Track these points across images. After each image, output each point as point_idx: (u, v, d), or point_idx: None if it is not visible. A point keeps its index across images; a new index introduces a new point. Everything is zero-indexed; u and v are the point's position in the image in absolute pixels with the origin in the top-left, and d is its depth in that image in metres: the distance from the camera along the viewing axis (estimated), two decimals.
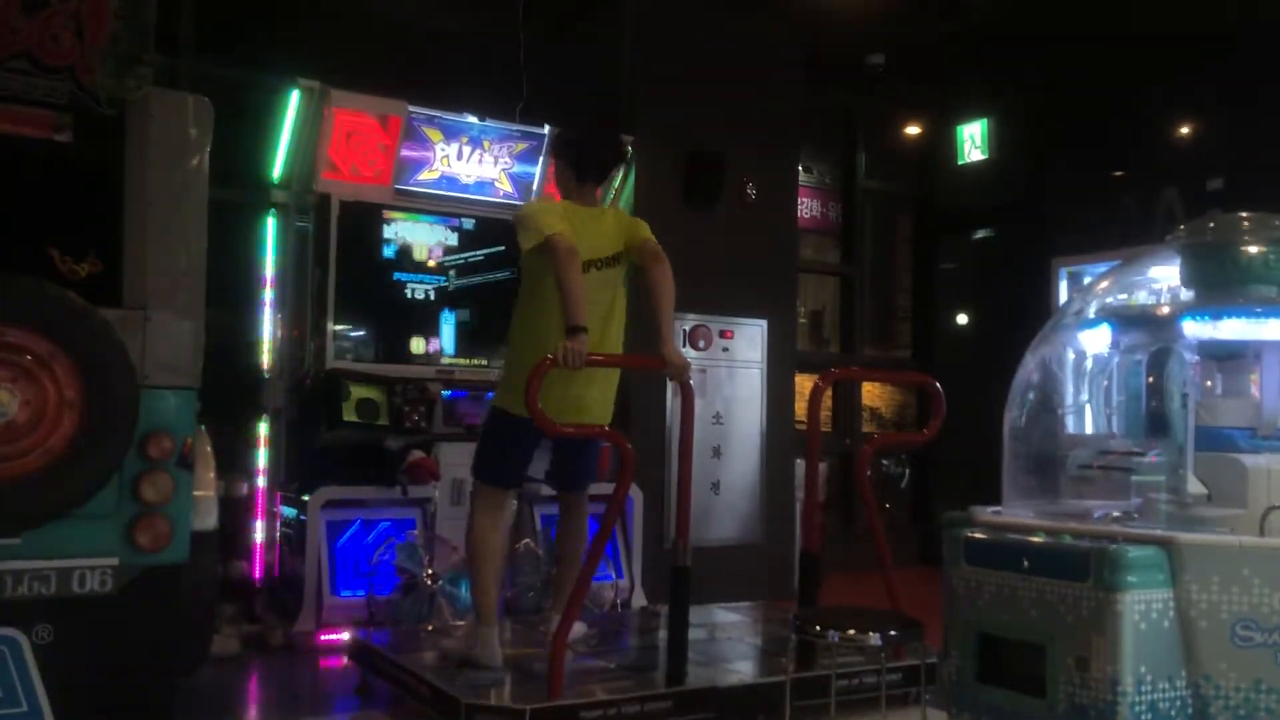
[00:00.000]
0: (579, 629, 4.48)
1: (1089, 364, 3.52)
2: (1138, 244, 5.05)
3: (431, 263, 6.21)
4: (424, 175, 6.17)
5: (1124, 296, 3.61)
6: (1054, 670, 2.80)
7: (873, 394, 9.34)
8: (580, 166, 4.33)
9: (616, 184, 6.72)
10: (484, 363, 6.22)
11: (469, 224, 6.30)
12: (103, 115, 3.54)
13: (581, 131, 4.62)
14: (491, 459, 4.30)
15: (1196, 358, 3.14)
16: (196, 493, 3.73)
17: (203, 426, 3.89)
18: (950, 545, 3.13)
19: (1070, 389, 3.53)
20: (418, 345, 6.15)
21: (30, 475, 3.20)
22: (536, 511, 5.87)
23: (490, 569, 4.30)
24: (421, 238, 6.18)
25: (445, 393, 6.02)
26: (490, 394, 6.00)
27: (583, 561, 4.17)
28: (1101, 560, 2.72)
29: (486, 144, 6.30)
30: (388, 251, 6.09)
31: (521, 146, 6.40)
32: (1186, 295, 3.34)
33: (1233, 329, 3.12)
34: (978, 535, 3.10)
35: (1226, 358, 3.26)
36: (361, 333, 6.01)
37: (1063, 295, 7.15)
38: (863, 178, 9.18)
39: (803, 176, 8.36)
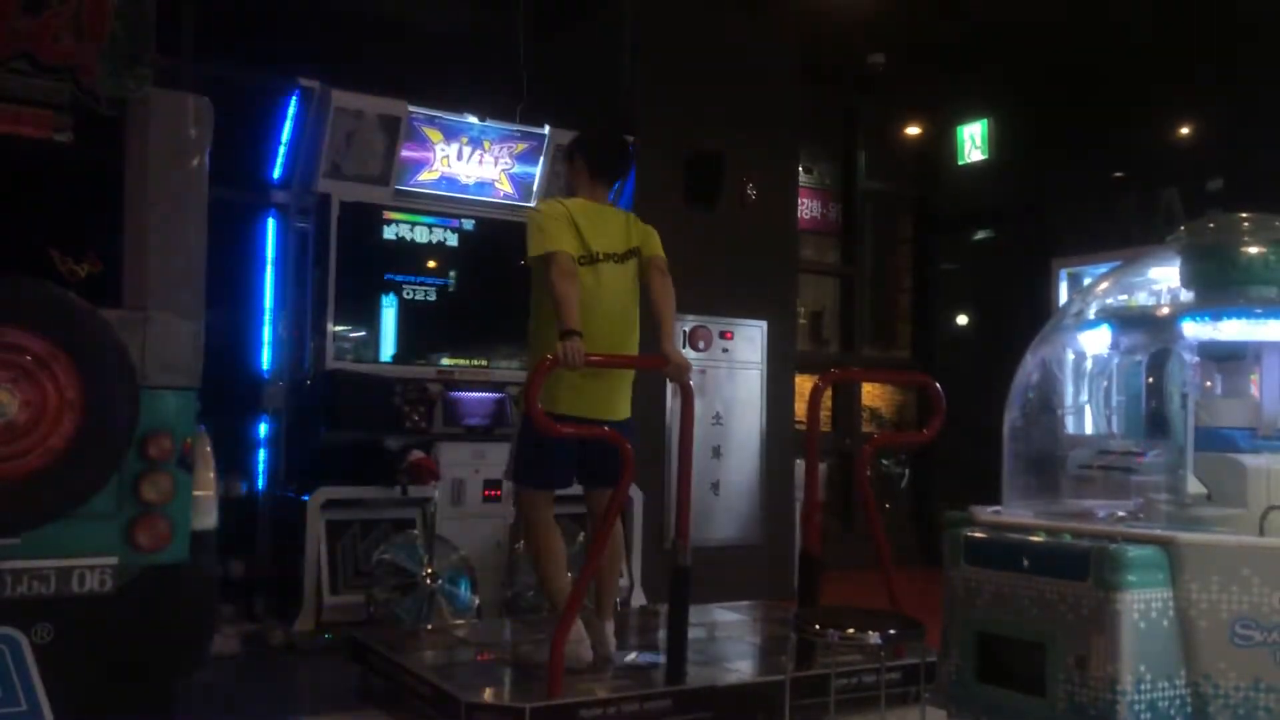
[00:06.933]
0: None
1: (1089, 365, 3.52)
2: (1138, 244, 5.06)
3: (431, 263, 6.22)
4: (424, 176, 6.17)
5: (1124, 297, 3.61)
6: (1054, 670, 2.80)
7: (873, 394, 9.34)
8: (595, 166, 4.48)
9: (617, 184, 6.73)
10: (484, 363, 6.22)
11: (469, 225, 6.29)
12: (103, 115, 3.54)
13: (603, 133, 4.78)
14: (533, 463, 4.29)
15: (1196, 358, 3.14)
16: (196, 493, 3.72)
17: (203, 426, 3.89)
18: (950, 545, 3.13)
19: (1070, 389, 3.53)
20: (418, 345, 6.14)
21: (30, 475, 3.19)
22: None
23: (560, 568, 4.34)
24: (421, 238, 6.18)
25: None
26: (492, 394, 6.13)
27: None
28: (1101, 560, 2.72)
29: (486, 144, 6.30)
30: (387, 252, 6.09)
31: (521, 147, 6.40)
32: (1186, 296, 3.34)
33: (1232, 330, 3.12)
34: (978, 535, 3.10)
35: (1226, 358, 3.26)
36: (361, 333, 6.01)
37: (1063, 296, 7.16)
38: (863, 178, 9.17)
39: (803, 176, 8.36)
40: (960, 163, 9.16)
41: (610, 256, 4.31)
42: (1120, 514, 3.09)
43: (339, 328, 5.86)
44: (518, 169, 6.43)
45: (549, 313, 4.18)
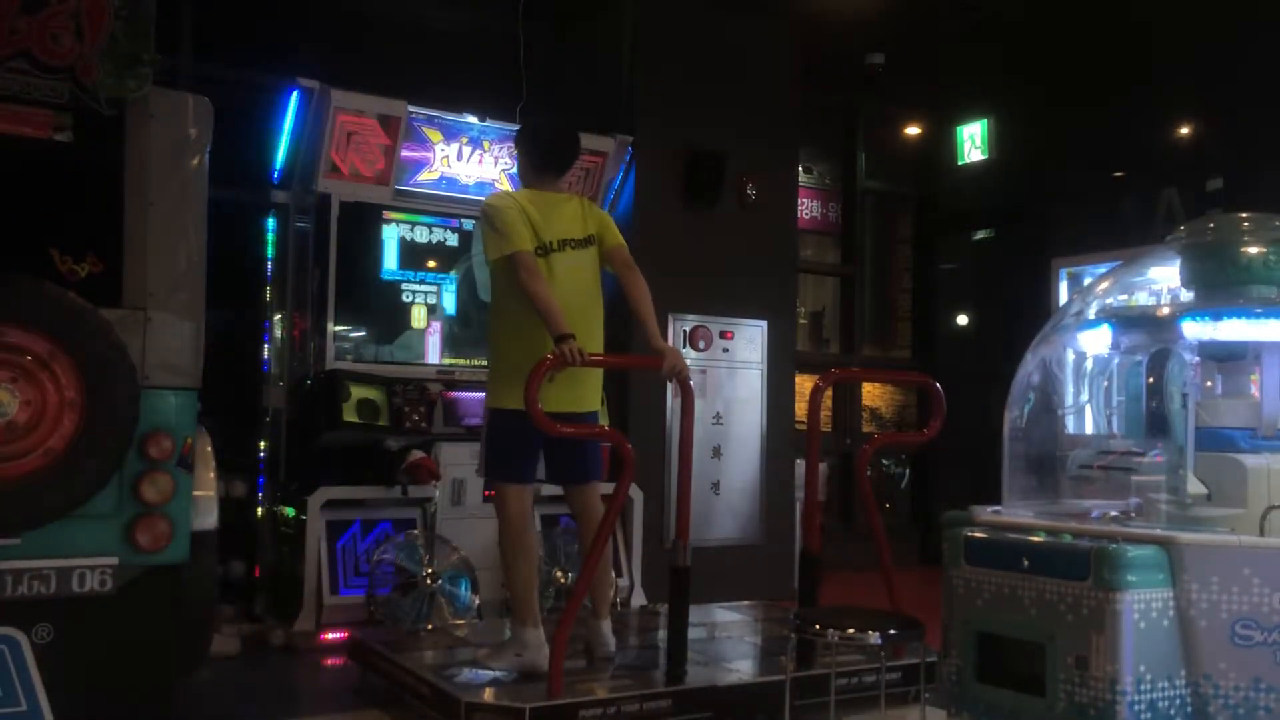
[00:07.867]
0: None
1: (1089, 364, 3.53)
2: (1138, 244, 5.05)
3: (431, 263, 6.21)
4: (424, 176, 6.17)
5: (1124, 297, 3.61)
6: (1054, 669, 2.80)
7: (873, 394, 9.34)
8: (538, 158, 4.41)
9: (617, 184, 6.73)
10: (484, 363, 6.21)
11: (469, 224, 6.29)
12: (103, 115, 3.55)
13: (539, 125, 4.71)
14: (502, 458, 4.26)
15: (1196, 358, 3.13)
16: (196, 493, 3.73)
17: (203, 426, 3.90)
18: (950, 545, 3.13)
19: (1070, 389, 3.53)
20: (418, 345, 6.14)
21: (30, 475, 3.20)
22: (535, 511, 5.87)
23: (531, 567, 4.29)
24: (421, 238, 6.18)
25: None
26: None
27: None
28: (1101, 559, 2.72)
29: (486, 144, 6.30)
30: (387, 252, 6.08)
31: None
32: (1186, 296, 3.34)
33: (1233, 330, 3.11)
34: (978, 535, 3.10)
35: (1226, 358, 3.26)
36: (361, 333, 6.01)
37: (1063, 295, 7.16)
38: (863, 178, 9.17)
39: (803, 176, 8.36)
40: (960, 163, 9.15)
41: (567, 244, 4.23)
42: (1112, 513, 3.09)
43: (339, 328, 5.86)
44: (517, 169, 6.42)
45: (511, 312, 4.15)
